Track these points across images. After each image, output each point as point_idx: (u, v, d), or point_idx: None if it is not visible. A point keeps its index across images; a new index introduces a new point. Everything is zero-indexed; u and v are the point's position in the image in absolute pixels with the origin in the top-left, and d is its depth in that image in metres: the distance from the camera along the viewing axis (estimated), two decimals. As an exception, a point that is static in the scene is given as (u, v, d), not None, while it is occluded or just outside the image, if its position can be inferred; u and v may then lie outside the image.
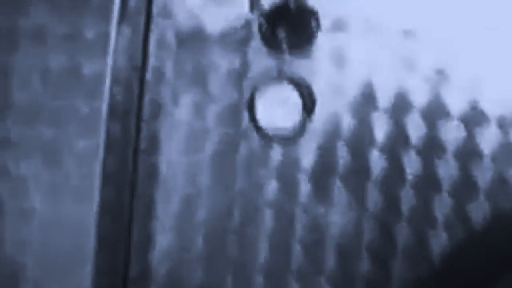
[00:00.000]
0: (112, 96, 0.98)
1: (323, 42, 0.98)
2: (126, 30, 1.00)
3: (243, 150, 1.01)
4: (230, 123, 1.02)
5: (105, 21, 0.97)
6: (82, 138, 0.98)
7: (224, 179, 1.02)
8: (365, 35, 0.97)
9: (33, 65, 0.99)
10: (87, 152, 0.98)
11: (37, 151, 0.99)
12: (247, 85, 1.01)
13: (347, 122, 0.98)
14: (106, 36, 0.97)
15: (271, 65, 0.99)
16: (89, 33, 0.99)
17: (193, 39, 1.01)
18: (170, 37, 1.02)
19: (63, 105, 0.99)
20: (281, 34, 0.98)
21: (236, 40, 1.00)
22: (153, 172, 1.02)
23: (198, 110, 1.02)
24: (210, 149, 1.01)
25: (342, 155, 0.99)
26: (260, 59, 1.00)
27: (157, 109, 1.02)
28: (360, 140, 0.98)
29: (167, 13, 1.02)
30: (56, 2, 0.98)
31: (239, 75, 1.00)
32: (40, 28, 0.98)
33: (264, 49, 0.99)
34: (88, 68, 0.99)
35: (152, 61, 1.02)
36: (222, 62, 1.01)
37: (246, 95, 1.00)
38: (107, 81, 0.97)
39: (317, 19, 0.97)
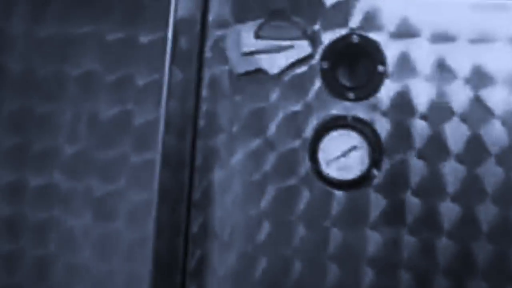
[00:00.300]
0: (164, 145, 0.92)
1: (390, 86, 0.91)
2: (178, 74, 0.94)
3: (304, 199, 0.94)
4: (290, 171, 0.95)
5: (156, 66, 0.92)
6: (134, 191, 0.93)
7: (284, 231, 0.95)
8: (435, 78, 0.91)
9: (82, 113, 0.94)
10: (139, 205, 0.92)
11: (87, 205, 0.93)
12: (308, 130, 0.94)
13: (416, 170, 0.91)
14: (158, 82, 0.91)
15: (334, 109, 0.93)
16: (140, 79, 0.94)
17: (249, 82, 0.95)
18: (225, 80, 0.96)
19: (113, 156, 0.93)
20: (344, 78, 0.92)
21: (296, 83, 0.94)
22: (207, 226, 0.96)
23: (256, 158, 0.96)
24: (269, 200, 0.95)
25: (411, 205, 0.91)
26: (322, 103, 0.93)
27: (211, 157, 0.96)
28: (431, 190, 0.91)
29: (220, 56, 0.96)
30: (105, 48, 0.93)
31: (300, 119, 0.94)
32: (89, 75, 0.93)
33: (326, 93, 0.93)
34: (139, 117, 0.93)
35: (205, 106, 0.96)
36: (282, 106, 0.95)
37: (308, 140, 0.93)
38: (160, 130, 0.91)
39: (383, 63, 0.91)
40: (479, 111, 0.88)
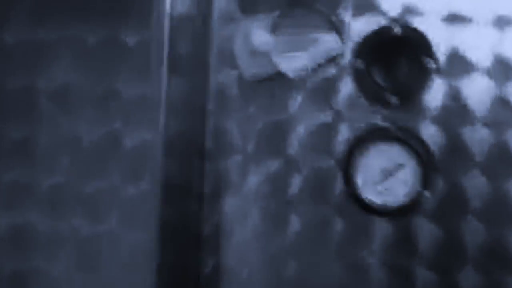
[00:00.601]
0: (164, 172, 0.74)
1: (441, 87, 0.73)
2: (178, 84, 0.76)
3: (338, 230, 0.76)
4: (320, 197, 0.77)
5: (149, 74, 0.74)
6: (128, 231, 0.75)
7: (315, 271, 0.77)
8: (497, 73, 0.73)
9: (59, 137, 0.76)
10: (136, 249, 0.74)
11: (70, 250, 0.75)
12: (339, 145, 0.76)
13: (478, 191, 0.73)
14: (153, 94, 0.73)
15: (373, 118, 0.75)
16: (130, 91, 0.76)
17: (265, 89, 0.77)
18: (234, 89, 0.78)
19: (100, 188, 0.75)
20: (384, 80, 0.74)
21: (323, 87, 0.76)
22: (221, 267, 0.78)
23: (276, 182, 0.78)
24: (294, 233, 0.77)
25: (473, 235, 0.73)
26: (357, 111, 0.75)
27: (223, 184, 0.78)
28: (497, 215, 0.73)
29: (228, 59, 0.78)
30: (85, 55, 0.75)
31: (330, 132, 0.76)
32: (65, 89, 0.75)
33: (362, 99, 0.75)
34: (131, 138, 0.75)
35: (212, 122, 0.78)
36: (306, 116, 0.77)
37: (341, 158, 0.75)
38: (158, 153, 0.73)
39: (433, 56, 0.72)
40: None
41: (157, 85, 0.72)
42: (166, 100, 0.72)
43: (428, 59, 0.72)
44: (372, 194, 0.74)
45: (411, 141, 0.73)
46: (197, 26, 0.78)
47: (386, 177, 0.74)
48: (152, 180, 0.72)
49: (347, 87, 0.76)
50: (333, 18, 0.75)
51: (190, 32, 0.76)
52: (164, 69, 0.72)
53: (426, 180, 0.73)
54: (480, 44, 0.73)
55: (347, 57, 0.76)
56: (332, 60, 0.75)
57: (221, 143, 0.79)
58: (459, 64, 0.73)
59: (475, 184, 0.73)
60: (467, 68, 0.73)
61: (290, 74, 0.75)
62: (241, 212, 0.78)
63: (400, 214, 0.74)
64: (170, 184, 0.73)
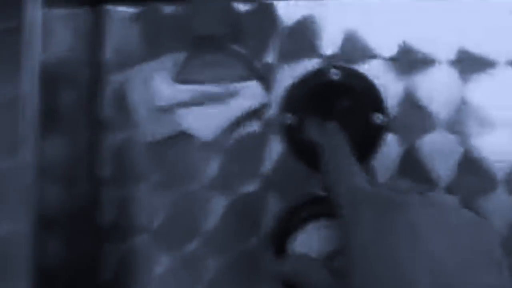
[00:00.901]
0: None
1: (394, 147, 0.58)
2: (56, 147, 0.58)
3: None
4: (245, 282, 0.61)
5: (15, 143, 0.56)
6: None
7: None
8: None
9: None
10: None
11: None
12: (268, 221, 0.60)
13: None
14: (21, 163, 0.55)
15: (310, 187, 0.59)
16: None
17: (172, 153, 0.61)
18: (133, 152, 0.61)
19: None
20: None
21: (244, 149, 0.60)
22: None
23: (192, 266, 0.61)
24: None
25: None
26: (288, 177, 0.59)
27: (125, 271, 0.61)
28: None
29: (123, 115, 0.61)
30: None
31: (256, 204, 0.60)
32: None
33: (294, 162, 0.59)
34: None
35: (108, 194, 0.61)
36: (225, 187, 0.60)
37: (269, 237, 0.59)
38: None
39: (381, 109, 0.57)
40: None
41: (28, 150, 0.54)
42: (39, 168, 0.54)
43: (376, 114, 0.57)
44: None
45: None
46: (83, 73, 0.61)
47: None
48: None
49: (275, 147, 0.59)
50: (255, 63, 0.59)
51: (72, 81, 0.59)
52: (36, 129, 0.54)
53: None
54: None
55: (274, 110, 0.60)
56: (255, 114, 0.59)
57: (123, 221, 0.62)
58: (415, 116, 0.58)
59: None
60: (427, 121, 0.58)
61: (201, 134, 0.58)
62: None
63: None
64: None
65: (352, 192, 0.43)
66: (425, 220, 0.39)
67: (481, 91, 0.58)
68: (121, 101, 0.61)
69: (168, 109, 0.58)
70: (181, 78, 0.58)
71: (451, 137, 0.57)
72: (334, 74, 0.57)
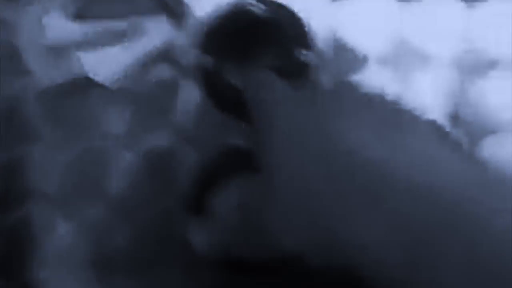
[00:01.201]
0: None
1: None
2: None
3: None
4: (158, 253, 0.53)
5: None
6: None
7: None
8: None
9: None
10: None
11: None
12: (182, 179, 0.52)
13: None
14: None
15: (230, 137, 0.52)
16: None
17: (71, 103, 0.52)
18: (29, 105, 0.53)
19: None
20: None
21: (153, 96, 0.52)
22: None
23: (96, 234, 0.53)
24: None
25: None
26: (206, 127, 0.52)
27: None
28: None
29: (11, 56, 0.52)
30: None
31: (169, 160, 0.52)
32: None
33: (213, 111, 0.51)
34: None
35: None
36: (132, 140, 0.52)
37: (185, 197, 0.52)
38: None
39: (308, 45, 0.50)
40: None
41: None
42: None
43: (303, 51, 0.50)
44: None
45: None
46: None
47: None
48: None
49: (190, 94, 0.52)
50: (164, -6, 0.51)
51: None
52: None
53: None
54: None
55: (189, 51, 0.52)
56: (166, 56, 0.52)
57: (14, 187, 0.53)
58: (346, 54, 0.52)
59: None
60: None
61: (102, 80, 0.50)
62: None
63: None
64: None
65: None
66: None
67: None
68: (7, 42, 0.52)
69: (63, 51, 0.50)
70: (79, 13, 0.50)
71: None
72: (256, 8, 0.50)
